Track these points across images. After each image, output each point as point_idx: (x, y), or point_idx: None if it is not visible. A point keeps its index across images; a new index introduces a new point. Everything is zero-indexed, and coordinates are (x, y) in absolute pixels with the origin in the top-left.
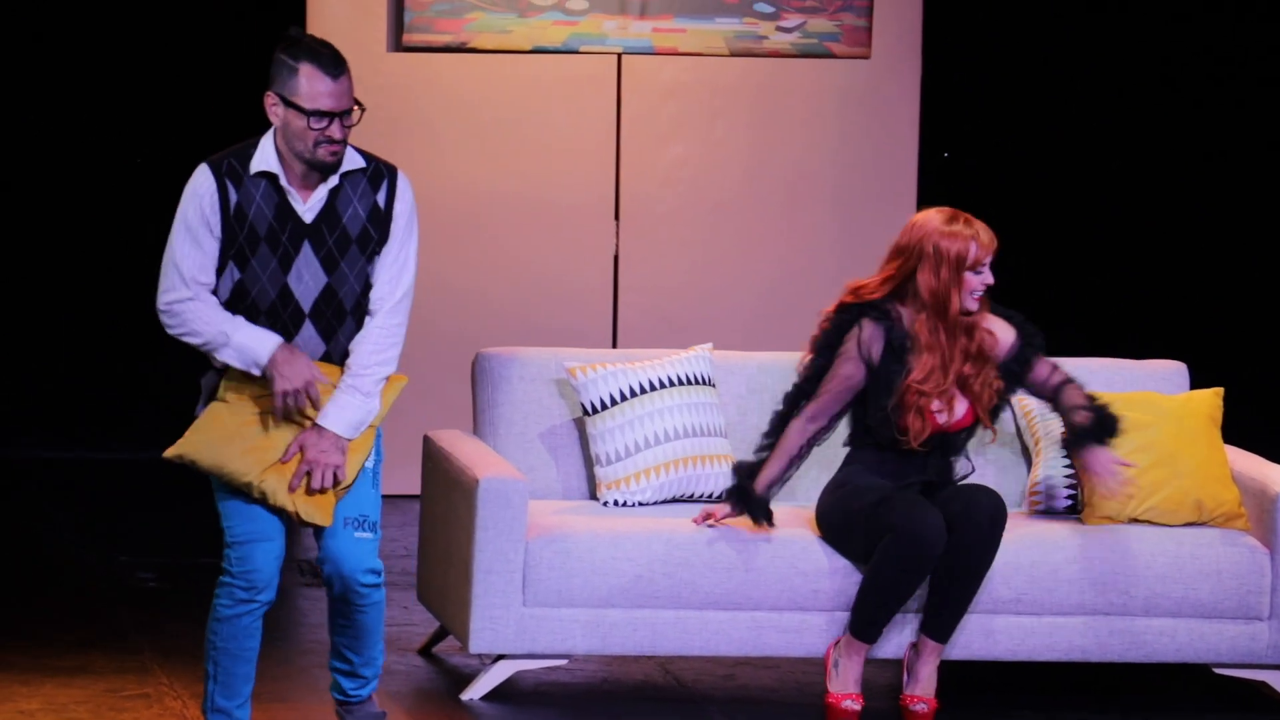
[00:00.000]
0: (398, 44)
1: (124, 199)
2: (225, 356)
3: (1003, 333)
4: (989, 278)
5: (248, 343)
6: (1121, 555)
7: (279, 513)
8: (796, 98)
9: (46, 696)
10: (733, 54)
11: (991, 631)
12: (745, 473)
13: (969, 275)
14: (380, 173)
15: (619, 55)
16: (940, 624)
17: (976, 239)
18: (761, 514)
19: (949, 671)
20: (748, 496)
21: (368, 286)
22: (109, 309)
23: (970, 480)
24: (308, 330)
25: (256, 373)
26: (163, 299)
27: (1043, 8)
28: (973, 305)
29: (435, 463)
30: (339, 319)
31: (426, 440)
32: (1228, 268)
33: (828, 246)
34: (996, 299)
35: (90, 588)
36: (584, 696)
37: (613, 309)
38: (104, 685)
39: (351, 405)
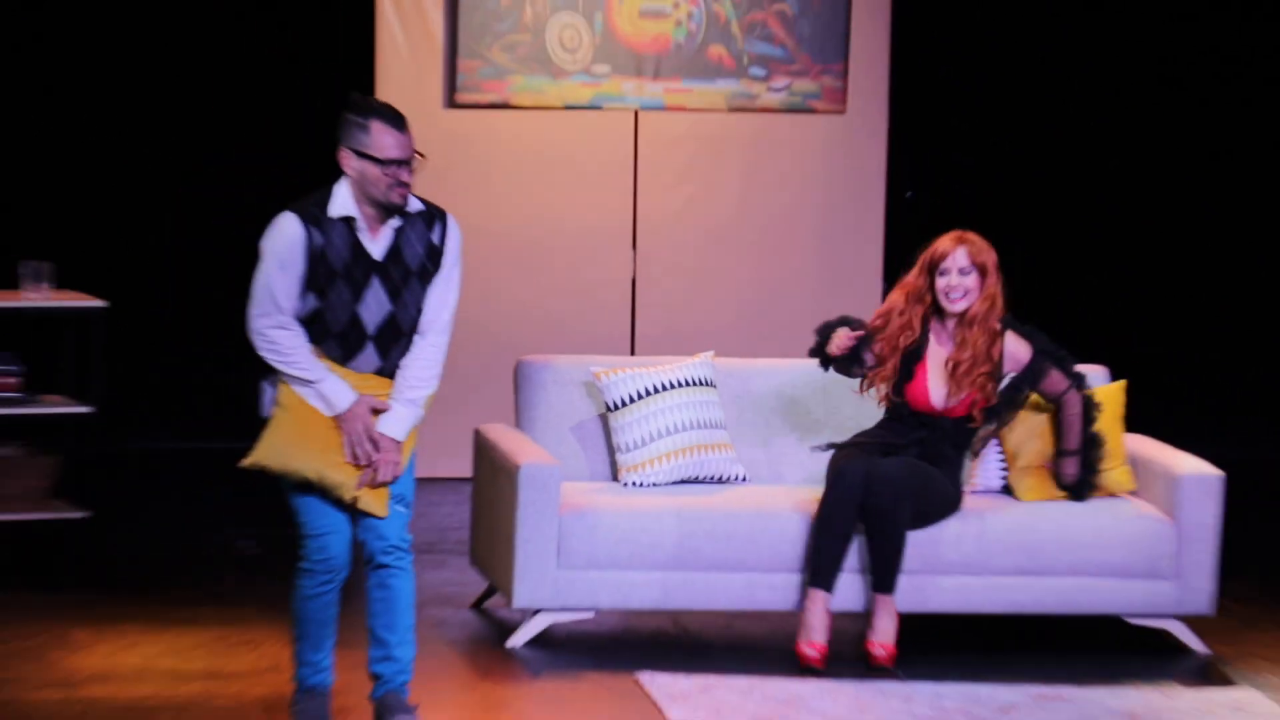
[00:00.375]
0: (451, 102)
1: (227, 222)
2: (302, 391)
3: (1017, 349)
4: (954, 281)
5: (330, 394)
6: (1050, 526)
7: (340, 503)
8: (784, 146)
9: (167, 643)
10: (731, 110)
11: (943, 589)
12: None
13: (938, 277)
14: (434, 215)
15: (636, 111)
16: (877, 578)
17: (940, 245)
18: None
19: (908, 623)
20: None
21: (420, 312)
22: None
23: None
24: (369, 349)
25: (327, 413)
26: (258, 322)
27: (991, 73)
28: (947, 305)
29: (484, 451)
30: (395, 340)
31: (477, 433)
32: (1156, 280)
33: (809, 271)
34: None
35: (201, 554)
36: (608, 643)
37: (631, 323)
38: (213, 634)
39: (406, 416)
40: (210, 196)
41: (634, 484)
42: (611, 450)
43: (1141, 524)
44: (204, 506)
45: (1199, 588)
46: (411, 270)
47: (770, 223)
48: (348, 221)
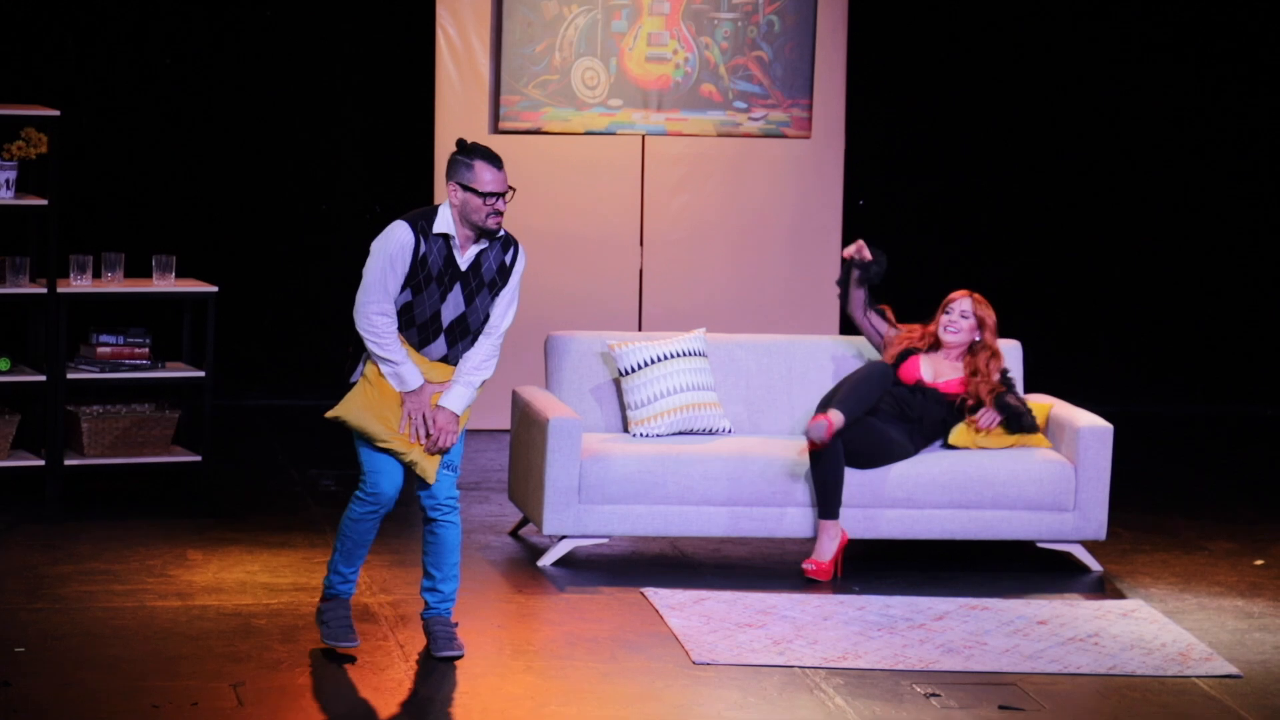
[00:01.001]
0: (496, 129)
1: (314, 226)
2: (384, 368)
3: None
4: (954, 319)
5: (406, 375)
6: (976, 469)
7: (399, 460)
8: (761, 164)
9: (264, 562)
10: (719, 135)
11: (890, 520)
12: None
13: (943, 314)
14: (509, 241)
15: (643, 136)
16: (820, 507)
17: (953, 294)
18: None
19: (862, 546)
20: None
21: (487, 317)
22: (314, 306)
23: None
24: (440, 340)
25: (398, 388)
26: (368, 307)
27: (926, 107)
28: (944, 334)
29: (520, 408)
30: (463, 336)
31: (514, 393)
32: (1060, 267)
33: (782, 264)
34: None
35: (291, 490)
36: (619, 563)
37: (639, 305)
38: (301, 555)
39: (464, 394)
40: (301, 204)
41: (641, 435)
42: (623, 407)
43: (1049, 467)
44: (293, 452)
45: (1095, 518)
46: (485, 282)
47: (750, 225)
48: (445, 238)
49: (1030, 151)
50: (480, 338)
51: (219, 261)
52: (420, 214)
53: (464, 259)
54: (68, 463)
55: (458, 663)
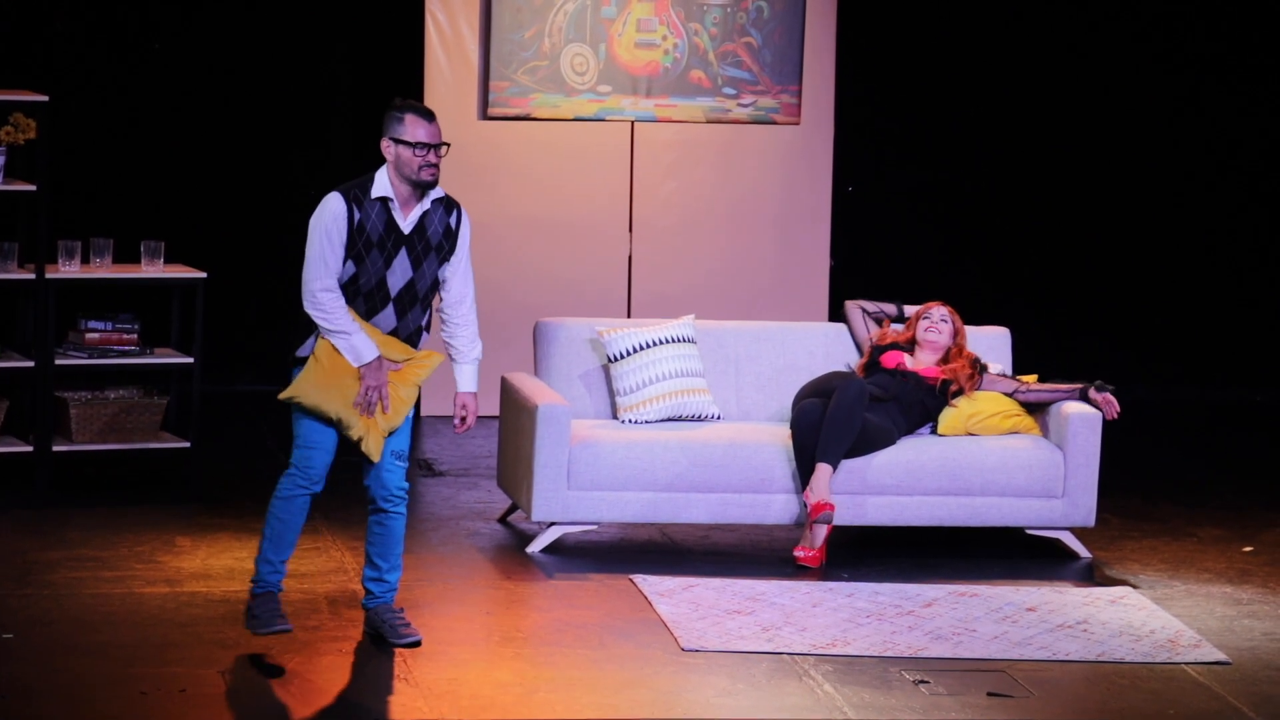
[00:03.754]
0: (485, 115)
1: (300, 212)
2: (338, 342)
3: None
4: (934, 323)
5: (360, 347)
6: (965, 455)
7: (344, 437)
8: (750, 151)
9: (252, 548)
10: (708, 121)
11: (879, 506)
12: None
13: (922, 320)
14: (452, 204)
15: (632, 123)
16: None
17: (929, 304)
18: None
19: (851, 532)
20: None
21: (435, 283)
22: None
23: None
24: (389, 310)
25: (354, 363)
26: (314, 284)
27: (914, 94)
28: (925, 336)
29: (509, 394)
30: (411, 304)
31: (503, 379)
32: (1046, 256)
33: (770, 250)
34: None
35: (279, 475)
36: (608, 550)
37: (628, 291)
38: None
39: (474, 371)
40: (289, 189)
41: (630, 421)
42: (612, 394)
43: (1037, 453)
44: (282, 438)
45: (1083, 505)
46: (431, 246)
47: (739, 211)
48: (384, 201)
49: (1019, 137)
50: (455, 320)
51: (208, 247)
52: (355, 183)
53: (406, 222)
54: (56, 449)
55: (446, 649)
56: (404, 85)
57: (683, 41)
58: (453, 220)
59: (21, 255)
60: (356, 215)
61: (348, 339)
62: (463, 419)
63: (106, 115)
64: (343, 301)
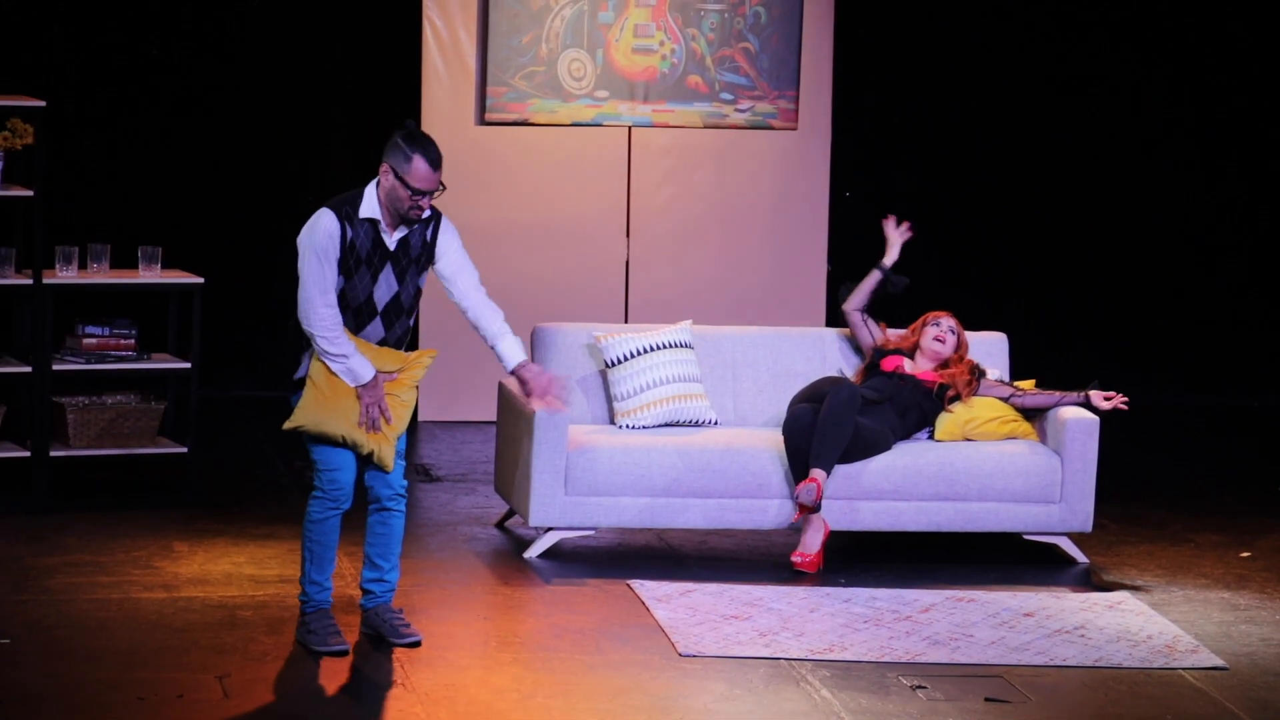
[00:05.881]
0: (482, 120)
1: (297, 218)
2: (335, 366)
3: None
4: (942, 333)
5: (357, 367)
6: (962, 460)
7: (356, 453)
8: (747, 156)
9: (249, 554)
10: (705, 126)
11: (877, 512)
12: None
13: (928, 328)
14: (432, 218)
15: (629, 128)
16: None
17: (934, 312)
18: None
19: (849, 537)
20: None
21: (418, 292)
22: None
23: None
24: (376, 323)
25: (352, 384)
26: (316, 302)
27: (910, 99)
28: (932, 345)
29: (506, 400)
30: (398, 316)
31: (500, 385)
32: (1044, 260)
33: (767, 255)
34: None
35: (276, 482)
36: (605, 556)
37: (625, 296)
38: (287, 546)
39: (518, 343)
40: (286, 195)
41: (627, 426)
42: (609, 399)
43: (1035, 459)
44: (279, 444)
45: (1081, 510)
46: (413, 259)
47: (736, 216)
48: (372, 221)
49: (1016, 144)
50: (475, 311)
51: (205, 252)
52: (345, 199)
53: (392, 239)
54: (53, 454)
55: (444, 654)
56: (402, 90)
57: (680, 47)
58: (429, 234)
59: (19, 260)
60: (349, 233)
61: (345, 362)
62: (540, 391)
63: (104, 120)
64: (340, 319)
